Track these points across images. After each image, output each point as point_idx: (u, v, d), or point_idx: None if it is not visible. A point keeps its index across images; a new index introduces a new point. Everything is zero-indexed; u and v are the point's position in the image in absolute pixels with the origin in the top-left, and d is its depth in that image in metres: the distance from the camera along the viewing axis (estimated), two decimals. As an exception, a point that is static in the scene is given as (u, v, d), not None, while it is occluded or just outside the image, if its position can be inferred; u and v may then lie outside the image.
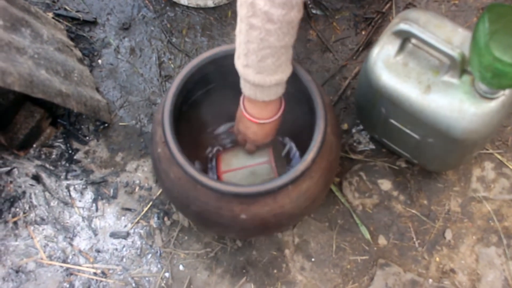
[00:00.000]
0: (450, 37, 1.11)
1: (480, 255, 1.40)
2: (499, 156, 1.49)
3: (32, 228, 1.45)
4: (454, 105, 1.09)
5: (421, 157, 1.35)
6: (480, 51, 0.94)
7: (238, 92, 1.12)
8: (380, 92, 1.18)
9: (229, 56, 1.20)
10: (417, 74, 1.13)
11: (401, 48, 1.15)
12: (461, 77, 1.09)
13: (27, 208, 1.46)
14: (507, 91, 1.08)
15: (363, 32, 1.65)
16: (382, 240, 1.42)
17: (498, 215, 1.43)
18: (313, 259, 1.40)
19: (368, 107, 1.30)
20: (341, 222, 1.44)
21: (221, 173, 1.27)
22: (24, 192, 1.48)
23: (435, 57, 1.13)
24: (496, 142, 1.50)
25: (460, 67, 1.07)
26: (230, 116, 1.26)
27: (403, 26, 1.10)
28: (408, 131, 1.24)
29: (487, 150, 1.49)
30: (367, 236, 1.42)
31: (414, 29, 1.08)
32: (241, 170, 1.27)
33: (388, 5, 1.67)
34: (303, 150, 1.15)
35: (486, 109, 1.08)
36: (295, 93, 1.31)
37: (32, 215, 1.46)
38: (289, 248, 1.41)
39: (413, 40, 1.14)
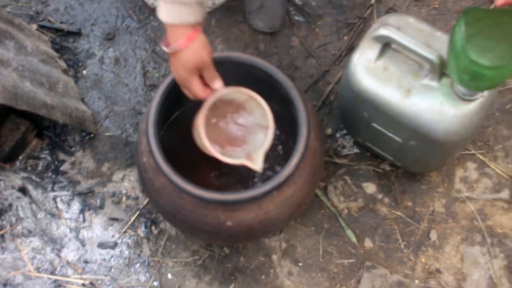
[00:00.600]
0: (429, 41, 1.13)
1: (465, 254, 1.41)
2: (481, 157, 1.51)
3: (19, 240, 1.45)
4: (434, 107, 1.11)
5: (404, 159, 1.37)
6: (457, 54, 0.96)
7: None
8: (361, 97, 1.20)
9: (215, 64, 1.22)
10: (398, 78, 1.15)
11: (381, 52, 1.16)
12: (440, 80, 1.11)
13: (14, 220, 1.46)
14: (485, 93, 1.10)
15: (345, 38, 1.67)
16: (368, 243, 1.43)
17: (482, 215, 1.45)
18: (300, 264, 1.41)
19: (351, 112, 1.31)
20: (327, 226, 1.45)
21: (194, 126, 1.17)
22: (10, 205, 1.48)
23: (415, 61, 1.15)
24: (478, 143, 1.52)
25: (439, 70, 1.09)
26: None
27: (383, 31, 1.11)
28: (390, 134, 1.25)
29: (469, 150, 1.51)
30: (353, 239, 1.43)
31: (393, 34, 1.10)
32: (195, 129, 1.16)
33: (369, 10, 1.69)
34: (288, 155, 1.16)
35: (465, 111, 1.10)
36: (279, 100, 1.33)
37: (19, 227, 1.46)
38: (276, 253, 1.42)
39: (393, 45, 1.16)
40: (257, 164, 1.12)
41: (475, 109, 1.11)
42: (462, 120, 1.11)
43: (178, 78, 1.08)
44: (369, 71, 1.17)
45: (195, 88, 1.07)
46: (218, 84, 1.10)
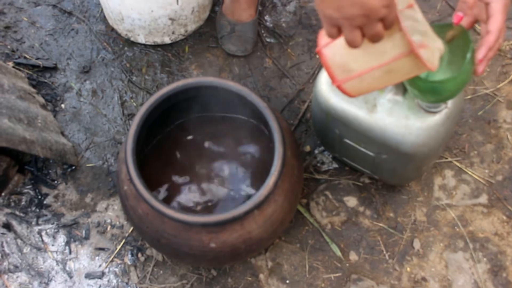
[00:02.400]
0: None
1: (449, 261, 1.43)
2: (457, 164, 1.54)
3: (6, 276, 1.45)
4: (400, 121, 1.13)
5: (381, 172, 1.39)
6: None
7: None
8: (330, 114, 1.22)
9: (188, 90, 1.24)
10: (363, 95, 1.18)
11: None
12: (404, 94, 1.14)
13: None
14: (449, 104, 1.13)
15: (317, 56, 1.70)
16: (353, 256, 1.45)
17: (462, 221, 1.47)
18: (287, 281, 1.43)
19: (324, 129, 1.34)
20: (311, 242, 1.47)
21: (339, 82, 0.95)
22: (-4, 242, 1.48)
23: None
24: (454, 150, 1.55)
25: (403, 84, 1.12)
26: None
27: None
28: (362, 149, 1.28)
29: (446, 158, 1.54)
30: (338, 253, 1.45)
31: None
32: (369, 73, 0.92)
33: (338, 28, 1.73)
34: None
35: (431, 122, 1.13)
36: (256, 121, 1.36)
37: (5, 263, 1.46)
38: (263, 272, 1.44)
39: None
40: (433, 62, 0.91)
41: (440, 120, 1.13)
42: (428, 132, 1.14)
43: (344, 15, 0.77)
44: (335, 89, 1.19)
45: (376, 30, 0.79)
46: None
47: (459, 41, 0.99)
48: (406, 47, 0.85)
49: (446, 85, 0.98)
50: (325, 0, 0.77)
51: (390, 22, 0.79)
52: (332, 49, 0.91)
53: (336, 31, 0.81)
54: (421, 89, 1.00)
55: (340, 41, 0.87)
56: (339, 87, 0.95)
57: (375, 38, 0.80)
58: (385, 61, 0.88)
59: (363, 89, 0.95)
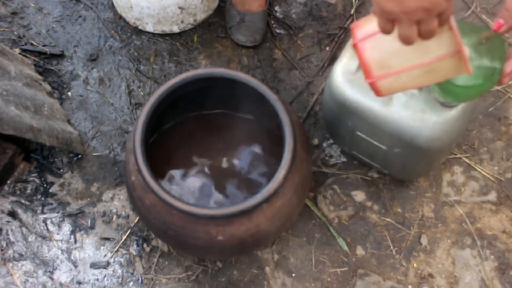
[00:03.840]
0: (408, 49, 1.14)
1: (456, 257, 1.43)
2: (467, 160, 1.52)
3: (10, 264, 1.44)
4: (415, 115, 1.13)
5: (391, 167, 1.38)
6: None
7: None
8: (344, 106, 1.21)
9: (198, 81, 1.23)
10: (379, 87, 1.16)
11: (362, 62, 1.18)
12: (420, 88, 1.13)
13: (4, 245, 1.46)
14: (465, 99, 1.12)
15: (327, 48, 1.69)
16: (360, 251, 1.44)
17: (471, 218, 1.46)
18: (293, 275, 1.42)
19: (335, 122, 1.33)
20: (318, 236, 1.46)
21: (375, 79, 0.90)
22: (0, 229, 1.47)
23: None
24: (463, 147, 1.54)
25: None
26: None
27: (363, 41, 1.13)
28: (375, 142, 1.26)
29: (455, 154, 1.53)
30: (345, 247, 1.44)
31: (373, 44, 1.11)
32: (408, 72, 0.87)
33: (349, 20, 1.71)
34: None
35: (447, 117, 1.12)
36: (264, 113, 1.34)
37: (10, 251, 1.45)
38: (269, 265, 1.43)
39: (374, 54, 1.17)
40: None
41: (456, 115, 1.12)
42: (444, 126, 1.13)
43: (404, 9, 0.75)
44: (350, 81, 1.18)
45: (432, 26, 0.76)
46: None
47: (491, 46, 0.96)
48: (453, 47, 0.81)
49: (470, 91, 0.96)
50: None
51: (446, 18, 0.76)
52: (372, 43, 0.87)
53: (392, 27, 0.78)
54: (444, 90, 0.99)
55: (382, 35, 0.83)
56: (373, 84, 0.91)
57: (428, 35, 0.77)
58: (428, 60, 0.84)
59: (396, 88, 0.91)
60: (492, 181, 1.50)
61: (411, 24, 0.75)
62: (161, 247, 1.45)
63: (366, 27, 0.87)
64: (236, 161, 1.42)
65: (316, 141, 1.56)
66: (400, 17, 0.75)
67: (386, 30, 0.79)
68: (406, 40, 0.78)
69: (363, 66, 0.89)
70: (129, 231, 1.47)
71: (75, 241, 1.47)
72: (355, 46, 0.89)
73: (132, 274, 1.43)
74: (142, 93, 1.64)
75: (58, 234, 1.48)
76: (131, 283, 1.42)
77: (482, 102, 1.59)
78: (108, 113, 1.62)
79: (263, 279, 1.42)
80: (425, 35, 0.77)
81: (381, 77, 0.88)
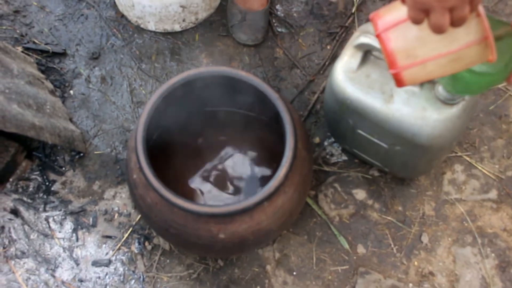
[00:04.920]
0: (409, 47, 1.15)
1: (457, 256, 1.43)
2: (467, 158, 1.53)
3: (13, 262, 1.45)
4: (417, 112, 1.13)
5: (392, 165, 1.38)
6: None
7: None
8: (346, 104, 1.21)
9: (199, 79, 1.23)
10: (380, 84, 1.17)
11: (363, 60, 1.18)
12: (422, 85, 1.13)
13: (6, 242, 1.46)
14: (466, 96, 1.12)
15: (328, 47, 1.69)
16: (361, 249, 1.44)
17: (471, 216, 1.47)
18: (294, 273, 1.42)
19: (336, 120, 1.33)
20: (319, 234, 1.46)
21: (400, 69, 0.88)
22: (3, 227, 1.48)
23: (396, 67, 1.17)
24: (464, 145, 1.54)
25: None
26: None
27: (363, 39, 1.13)
28: (376, 140, 1.27)
29: (456, 153, 1.53)
30: (346, 246, 1.44)
31: (373, 42, 1.12)
32: (435, 61, 0.86)
33: (350, 19, 1.72)
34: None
35: (448, 114, 1.12)
36: (265, 112, 1.34)
37: (12, 249, 1.46)
38: (270, 263, 1.43)
39: (374, 52, 1.18)
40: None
41: (457, 112, 1.12)
42: (445, 124, 1.13)
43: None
44: (352, 79, 1.19)
45: (465, 12, 0.76)
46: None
47: (506, 42, 0.95)
48: (480, 34, 0.81)
49: (482, 79, 0.95)
50: None
51: (477, 4, 0.75)
52: (396, 33, 0.85)
53: (424, 16, 0.76)
54: (456, 78, 0.97)
55: (407, 24, 0.82)
56: (397, 75, 0.88)
57: (460, 22, 0.76)
58: (455, 48, 0.83)
59: (420, 77, 0.89)
60: (493, 179, 1.50)
61: (444, 12, 0.74)
62: (163, 245, 1.45)
63: (389, 16, 0.86)
64: (238, 158, 1.43)
65: (317, 140, 1.56)
66: (433, 5, 0.74)
67: (417, 20, 0.78)
68: (439, 29, 0.76)
69: (387, 57, 0.87)
70: (130, 229, 1.48)
71: (77, 239, 1.47)
72: (378, 37, 0.87)
73: (133, 272, 1.43)
74: (144, 91, 1.65)
75: (60, 232, 1.48)
76: (133, 281, 1.43)
77: (482, 100, 1.59)
78: (110, 111, 1.62)
79: (264, 277, 1.42)
80: (457, 22, 0.76)
81: (407, 67, 0.87)
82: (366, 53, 1.17)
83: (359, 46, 1.16)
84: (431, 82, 1.13)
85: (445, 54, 0.84)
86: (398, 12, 0.84)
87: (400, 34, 0.85)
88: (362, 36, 1.14)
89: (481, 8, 0.79)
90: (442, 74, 0.89)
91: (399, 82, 0.90)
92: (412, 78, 0.89)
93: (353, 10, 1.73)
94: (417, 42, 0.84)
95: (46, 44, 1.71)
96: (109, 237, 1.47)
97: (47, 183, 1.53)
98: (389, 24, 0.85)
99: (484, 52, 0.83)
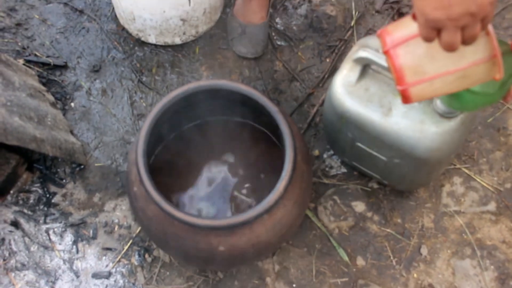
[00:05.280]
0: (407, 61, 1.16)
1: (456, 268, 1.43)
2: (466, 171, 1.53)
3: (13, 274, 1.45)
4: (415, 125, 1.14)
5: (391, 177, 1.39)
6: None
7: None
8: (345, 118, 1.22)
9: (200, 92, 1.24)
10: (379, 98, 1.18)
11: (362, 74, 1.19)
12: None
13: (7, 254, 1.47)
14: (464, 110, 1.13)
15: (328, 60, 1.70)
16: (360, 261, 1.45)
17: (470, 228, 1.47)
18: (294, 285, 1.43)
19: (336, 132, 1.34)
20: (319, 246, 1.46)
21: (408, 86, 0.88)
22: (3, 239, 1.48)
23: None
24: (463, 157, 1.55)
25: None
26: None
27: (362, 53, 1.14)
28: (375, 153, 1.28)
29: (455, 165, 1.54)
30: (345, 258, 1.45)
31: (372, 56, 1.13)
32: (442, 78, 0.87)
33: (349, 32, 1.73)
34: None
35: (446, 127, 1.13)
36: (265, 124, 1.35)
37: (13, 261, 1.46)
38: (270, 276, 1.44)
39: (373, 66, 1.19)
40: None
41: (455, 125, 1.13)
42: (443, 137, 1.14)
43: (450, 16, 0.74)
44: (350, 93, 1.19)
45: (477, 30, 0.76)
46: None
47: (505, 60, 0.95)
48: (488, 52, 0.82)
49: (479, 98, 0.95)
50: (432, 0, 0.74)
51: (487, 22, 0.76)
52: (405, 49, 0.86)
53: (436, 34, 0.77)
54: (454, 96, 0.97)
55: (416, 41, 0.83)
56: (404, 91, 0.88)
57: (471, 40, 0.77)
58: (463, 66, 0.84)
59: (427, 94, 0.89)
60: (491, 192, 1.51)
61: (456, 30, 0.75)
62: (163, 257, 1.46)
63: (398, 33, 0.86)
64: (238, 170, 1.43)
65: (316, 152, 1.57)
66: (446, 24, 0.75)
67: (429, 38, 0.78)
68: (450, 47, 0.77)
69: (395, 73, 0.87)
70: (130, 241, 1.48)
71: (77, 251, 1.48)
72: (386, 53, 0.87)
73: (133, 284, 1.44)
74: (144, 104, 1.66)
75: (60, 244, 1.49)
76: (133, 293, 1.43)
77: (481, 113, 1.60)
78: (110, 123, 1.63)
79: (264, 289, 1.43)
80: (468, 41, 0.77)
81: (414, 83, 0.87)
82: (365, 67, 1.18)
83: (358, 60, 1.17)
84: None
85: (453, 71, 0.85)
86: (407, 29, 0.85)
87: (409, 51, 0.86)
88: (361, 50, 1.15)
89: (490, 27, 0.79)
90: (448, 91, 0.90)
91: (406, 98, 0.90)
92: (419, 95, 0.89)
93: (352, 23, 1.75)
94: (425, 59, 0.85)
95: (48, 56, 1.72)
96: (109, 249, 1.48)
97: (47, 195, 1.54)
98: (398, 41, 0.86)
99: (491, 70, 0.84)
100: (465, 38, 0.76)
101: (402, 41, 0.86)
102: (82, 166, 1.57)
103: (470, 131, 1.57)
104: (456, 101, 1.00)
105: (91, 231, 1.50)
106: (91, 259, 1.47)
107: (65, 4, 1.81)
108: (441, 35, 0.76)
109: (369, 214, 1.49)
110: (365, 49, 1.14)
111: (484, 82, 0.89)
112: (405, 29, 0.85)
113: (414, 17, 0.81)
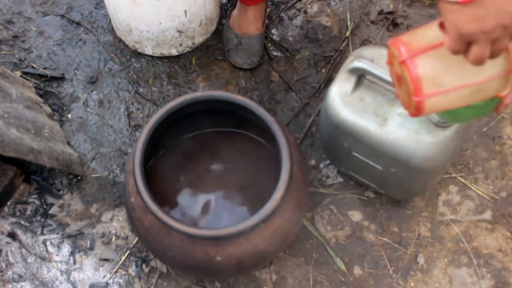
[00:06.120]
0: (402, 71, 1.17)
1: (453, 276, 1.44)
2: (462, 179, 1.54)
3: (10, 286, 1.45)
4: (410, 135, 1.15)
5: (387, 186, 1.40)
6: None
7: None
8: (340, 128, 1.23)
9: (196, 103, 1.25)
10: (374, 108, 1.19)
11: (357, 84, 1.20)
12: None
13: (4, 266, 1.47)
14: (458, 120, 1.14)
15: (323, 70, 1.72)
16: (357, 270, 1.45)
17: (467, 236, 1.48)
18: (291, 295, 1.43)
19: (332, 142, 1.35)
20: (316, 255, 1.47)
21: (424, 97, 0.85)
22: (0, 251, 1.48)
23: (390, 91, 1.19)
24: (458, 166, 1.55)
25: None
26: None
27: (357, 64, 1.16)
28: (371, 162, 1.28)
29: (451, 174, 1.54)
30: (343, 267, 1.45)
31: (367, 66, 1.14)
32: (458, 91, 0.85)
33: (345, 42, 1.74)
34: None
35: (441, 137, 1.14)
36: (261, 134, 1.36)
37: (10, 272, 1.46)
38: (267, 285, 1.44)
39: (368, 76, 1.20)
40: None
41: (450, 135, 1.14)
42: (438, 147, 1.15)
43: (484, 29, 0.72)
44: (346, 103, 1.20)
45: (506, 44, 0.76)
46: None
47: None
48: (504, 67, 0.82)
49: (470, 112, 0.95)
50: (465, 13, 0.71)
51: None
52: (424, 60, 0.83)
53: (466, 47, 0.75)
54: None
55: (435, 51, 0.82)
56: (419, 103, 0.85)
57: (499, 53, 0.76)
58: (481, 79, 0.83)
59: (440, 107, 0.88)
60: (487, 200, 1.52)
61: (487, 43, 0.74)
62: (160, 267, 1.46)
63: (416, 43, 0.84)
64: (234, 180, 1.44)
65: (313, 162, 1.58)
66: (478, 37, 0.73)
67: (458, 51, 0.77)
68: (480, 60, 0.75)
69: (413, 83, 0.85)
70: (128, 252, 1.48)
71: (74, 262, 1.48)
72: (403, 63, 0.85)
73: (131, 295, 1.44)
74: (141, 115, 1.66)
75: (57, 255, 1.49)
76: (130, 304, 1.43)
77: (476, 122, 1.61)
78: (107, 135, 1.64)
79: (262, 299, 1.43)
80: (497, 54, 0.76)
81: (431, 95, 0.85)
82: (360, 77, 1.19)
83: (353, 71, 1.18)
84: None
85: (471, 84, 0.83)
86: (426, 38, 0.83)
87: (429, 62, 0.84)
88: (356, 61, 1.16)
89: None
90: (461, 104, 0.89)
91: (418, 110, 0.88)
92: (433, 107, 0.88)
93: (347, 34, 1.76)
94: (444, 71, 0.83)
95: (45, 68, 1.73)
96: (107, 260, 1.48)
97: (44, 206, 1.54)
98: (416, 51, 0.84)
99: (503, 85, 0.84)
100: (493, 51, 0.75)
101: (421, 51, 0.84)
102: (79, 177, 1.58)
103: (465, 140, 1.58)
104: (448, 113, 1.01)
105: (88, 242, 1.50)
106: (88, 270, 1.47)
107: (62, 16, 1.82)
108: (472, 48, 0.75)
109: (365, 223, 1.50)
110: (360, 59, 1.15)
111: (493, 96, 0.88)
112: (424, 39, 0.84)
113: (442, 27, 0.79)
